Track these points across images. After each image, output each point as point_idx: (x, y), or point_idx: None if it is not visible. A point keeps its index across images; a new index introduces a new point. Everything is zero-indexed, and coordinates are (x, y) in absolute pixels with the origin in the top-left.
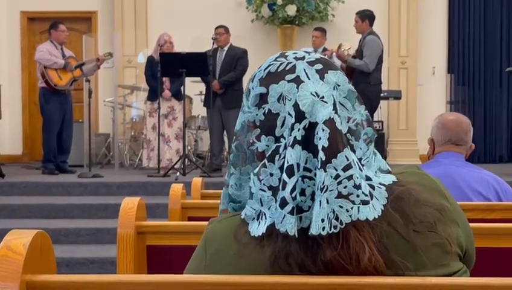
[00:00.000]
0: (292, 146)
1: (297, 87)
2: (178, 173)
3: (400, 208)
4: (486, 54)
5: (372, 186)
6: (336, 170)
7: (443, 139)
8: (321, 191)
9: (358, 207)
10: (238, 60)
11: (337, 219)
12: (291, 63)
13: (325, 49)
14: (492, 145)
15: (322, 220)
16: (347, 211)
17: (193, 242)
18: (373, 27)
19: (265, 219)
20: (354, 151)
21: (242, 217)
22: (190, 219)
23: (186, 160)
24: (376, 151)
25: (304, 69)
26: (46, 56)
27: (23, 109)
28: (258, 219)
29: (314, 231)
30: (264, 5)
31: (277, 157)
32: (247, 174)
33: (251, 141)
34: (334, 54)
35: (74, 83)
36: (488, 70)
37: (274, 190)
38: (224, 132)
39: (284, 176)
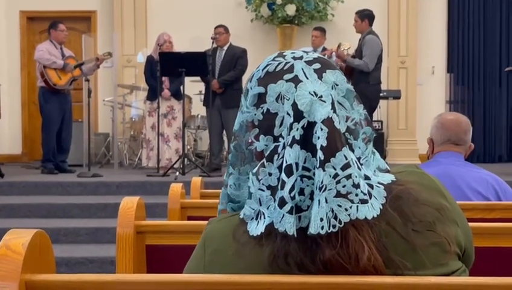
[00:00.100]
0: (291, 146)
1: (295, 87)
2: (177, 173)
3: (399, 207)
4: (485, 54)
5: (371, 186)
6: (335, 169)
7: (442, 139)
8: (320, 191)
9: (357, 206)
10: (237, 59)
11: (335, 218)
12: (289, 62)
13: (324, 49)
14: (491, 145)
15: (321, 219)
16: (346, 210)
17: (192, 242)
18: (372, 27)
19: (264, 218)
20: (353, 151)
21: (241, 216)
22: (189, 218)
23: (186, 159)
24: (375, 150)
25: (302, 69)
26: (46, 56)
27: (22, 109)
28: (256, 219)
29: (313, 230)
30: (263, 5)
31: (276, 157)
32: (246, 174)
33: (250, 140)
34: (334, 53)
35: (73, 83)
36: (488, 70)
37: (273, 190)
38: (224, 132)
39: (283, 176)
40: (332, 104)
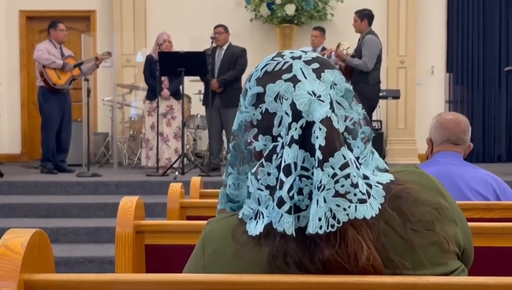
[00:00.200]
0: (289, 145)
1: (294, 87)
2: (177, 172)
3: (398, 207)
4: (485, 54)
5: (370, 185)
6: (333, 169)
7: (441, 139)
8: (318, 190)
9: (356, 206)
10: (237, 59)
11: (334, 217)
12: (288, 62)
13: (324, 49)
14: (490, 145)
15: (320, 219)
16: (344, 209)
17: (192, 241)
18: (372, 26)
19: (263, 218)
20: (352, 150)
21: (240, 216)
22: (189, 218)
23: (185, 159)
24: (374, 150)
25: (301, 68)
26: (45, 55)
27: (22, 108)
28: (255, 219)
29: (311, 229)
30: (263, 4)
31: (274, 156)
32: (244, 174)
33: (248, 140)
34: (333, 53)
35: (73, 82)
36: (487, 70)
37: (271, 189)
38: (223, 131)
39: (282, 176)
40: (331, 103)
